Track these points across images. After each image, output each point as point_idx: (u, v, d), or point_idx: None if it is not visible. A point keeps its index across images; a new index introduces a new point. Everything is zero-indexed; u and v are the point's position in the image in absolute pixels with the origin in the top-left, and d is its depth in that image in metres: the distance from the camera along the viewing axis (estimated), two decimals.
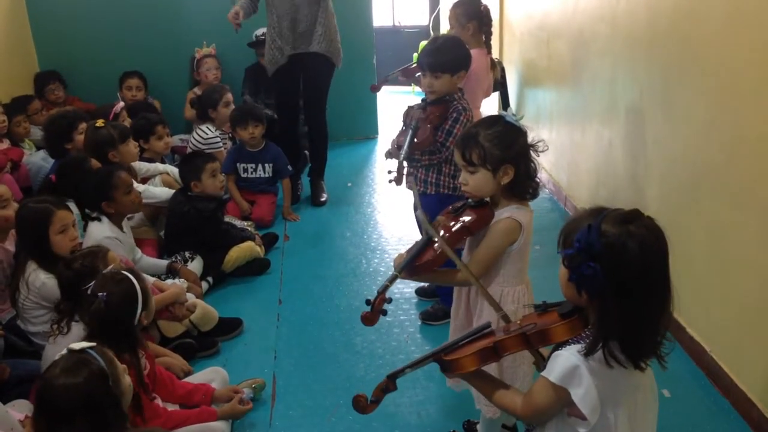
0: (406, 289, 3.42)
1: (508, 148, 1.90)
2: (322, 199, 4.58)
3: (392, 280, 1.96)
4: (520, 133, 1.93)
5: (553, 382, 1.43)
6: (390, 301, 1.97)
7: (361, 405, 1.71)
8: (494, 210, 1.97)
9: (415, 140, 2.76)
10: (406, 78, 4.02)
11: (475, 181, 1.93)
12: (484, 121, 2.00)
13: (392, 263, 2.10)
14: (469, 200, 1.99)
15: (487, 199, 1.99)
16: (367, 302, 1.96)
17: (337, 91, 5.60)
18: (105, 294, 2.14)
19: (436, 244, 1.93)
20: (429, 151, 2.80)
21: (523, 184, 1.94)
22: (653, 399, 1.56)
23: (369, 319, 1.95)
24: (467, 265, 1.97)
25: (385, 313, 1.96)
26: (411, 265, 1.95)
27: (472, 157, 1.90)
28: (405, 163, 2.77)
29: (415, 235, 3.78)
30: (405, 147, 2.77)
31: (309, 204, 4.57)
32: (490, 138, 1.90)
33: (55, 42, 5.28)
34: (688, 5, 2.63)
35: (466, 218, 1.96)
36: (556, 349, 1.50)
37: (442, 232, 1.96)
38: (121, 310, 2.17)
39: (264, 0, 4.16)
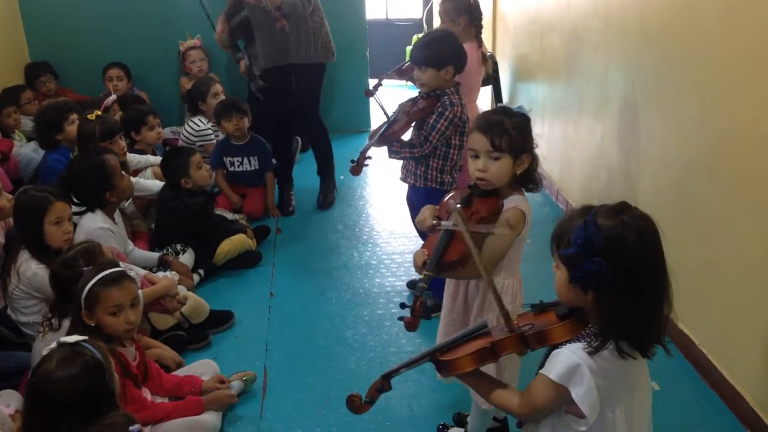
0: (397, 282, 3.42)
1: (528, 138, 1.94)
2: (328, 201, 4.44)
3: (427, 281, 1.87)
4: (530, 124, 1.97)
5: (554, 380, 1.43)
6: (427, 303, 1.93)
7: (356, 405, 1.68)
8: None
9: (388, 132, 2.75)
10: (401, 77, 4.01)
11: (496, 168, 1.91)
12: (503, 110, 2.00)
13: (411, 260, 2.05)
14: (473, 190, 1.98)
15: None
16: (403, 306, 1.90)
17: (329, 85, 5.61)
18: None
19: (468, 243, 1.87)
20: (410, 144, 2.80)
21: (532, 174, 1.98)
22: (648, 396, 1.57)
23: (412, 324, 1.89)
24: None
25: (428, 317, 1.92)
26: (440, 262, 1.89)
27: (502, 143, 1.90)
28: (369, 154, 2.82)
29: (407, 229, 3.79)
30: (374, 138, 2.77)
31: (302, 197, 4.53)
32: (515, 126, 1.91)
33: (46, 33, 5.24)
34: (680, 0, 2.63)
35: (482, 211, 1.93)
36: (553, 347, 1.49)
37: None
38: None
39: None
